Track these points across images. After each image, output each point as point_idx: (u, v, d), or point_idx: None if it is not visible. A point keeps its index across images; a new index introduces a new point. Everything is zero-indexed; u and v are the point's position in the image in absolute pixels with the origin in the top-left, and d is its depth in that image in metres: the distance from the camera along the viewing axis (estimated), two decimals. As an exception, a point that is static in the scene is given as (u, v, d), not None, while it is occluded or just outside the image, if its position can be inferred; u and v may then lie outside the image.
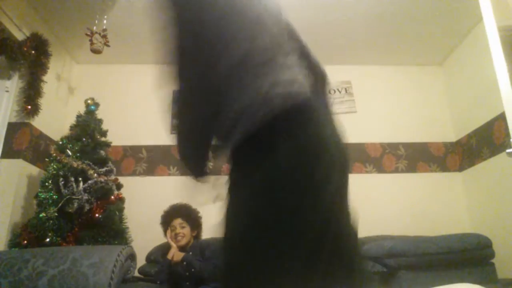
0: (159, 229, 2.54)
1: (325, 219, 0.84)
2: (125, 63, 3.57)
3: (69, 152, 2.64)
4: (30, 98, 2.80)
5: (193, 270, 2.23)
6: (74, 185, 2.51)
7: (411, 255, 2.27)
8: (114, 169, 2.84)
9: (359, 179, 3.44)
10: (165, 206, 2.56)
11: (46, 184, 2.54)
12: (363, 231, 3.35)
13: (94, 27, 2.86)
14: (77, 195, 2.49)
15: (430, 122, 3.61)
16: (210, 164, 1.00)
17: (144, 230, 2.85)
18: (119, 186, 2.82)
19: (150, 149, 3.42)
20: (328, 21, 3.15)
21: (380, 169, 3.48)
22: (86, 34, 2.81)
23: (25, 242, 2.38)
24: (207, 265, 2.22)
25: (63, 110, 3.37)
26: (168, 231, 2.46)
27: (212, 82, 0.88)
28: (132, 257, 2.21)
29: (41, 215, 2.43)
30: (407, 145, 3.55)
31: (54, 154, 2.65)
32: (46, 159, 2.76)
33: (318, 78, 1.09)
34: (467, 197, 3.37)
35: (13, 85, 2.84)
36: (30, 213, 2.63)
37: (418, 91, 3.71)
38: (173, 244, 2.40)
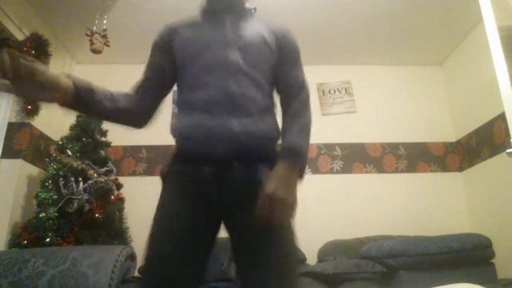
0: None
1: None
2: (125, 63, 3.56)
3: (69, 152, 2.64)
4: (30, 98, 2.80)
5: None
6: (74, 185, 2.51)
7: (411, 255, 2.27)
8: (114, 169, 2.84)
9: (359, 179, 3.44)
10: (165, 206, 2.55)
11: (46, 184, 2.54)
12: (363, 231, 3.35)
13: (94, 27, 2.86)
14: (77, 195, 2.49)
15: (430, 122, 3.61)
16: None
17: (144, 230, 2.82)
18: (119, 186, 2.82)
19: (150, 149, 3.42)
20: (328, 21, 3.15)
21: (380, 169, 3.48)
22: (86, 34, 2.81)
23: (25, 242, 2.38)
24: (212, 264, 2.21)
25: (63, 110, 3.36)
26: None
27: None
28: (132, 257, 2.21)
29: (41, 215, 2.43)
30: (407, 145, 3.55)
31: (54, 154, 2.65)
32: (46, 159, 2.76)
33: None
34: (467, 197, 3.37)
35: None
36: (30, 213, 2.63)
37: (418, 91, 3.70)
38: None
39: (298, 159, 1.06)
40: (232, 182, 1.07)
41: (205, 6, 1.26)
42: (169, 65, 1.22)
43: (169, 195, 1.13)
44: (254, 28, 1.21)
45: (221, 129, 1.06)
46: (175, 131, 1.15)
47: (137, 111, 1.19)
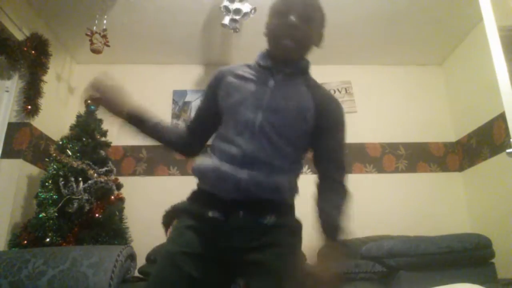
0: (159, 229, 2.54)
1: None
2: (125, 63, 3.57)
3: (69, 152, 2.64)
4: (30, 98, 2.80)
5: None
6: (74, 185, 2.51)
7: (411, 255, 2.27)
8: (114, 169, 2.84)
9: (359, 179, 3.43)
10: (165, 206, 2.55)
11: (46, 184, 2.54)
12: (363, 231, 3.36)
13: (94, 27, 2.86)
14: (77, 195, 2.49)
15: (430, 122, 3.61)
16: None
17: (144, 230, 2.84)
18: (119, 186, 2.82)
19: (150, 149, 3.42)
20: (328, 22, 3.15)
21: (380, 169, 3.48)
22: (86, 34, 2.81)
23: (25, 242, 2.38)
24: None
25: (63, 110, 3.37)
26: (169, 231, 2.46)
27: None
28: (132, 257, 2.21)
29: (41, 215, 2.42)
30: (407, 145, 3.55)
31: (54, 154, 2.65)
32: (46, 159, 2.76)
33: None
34: (467, 197, 3.37)
35: (13, 85, 2.84)
36: (30, 213, 2.63)
37: (418, 91, 3.70)
38: None
39: (343, 240, 1.14)
40: (235, 230, 1.11)
41: (261, 64, 1.27)
42: (214, 110, 1.29)
43: (178, 231, 1.18)
44: (296, 91, 1.23)
45: (232, 176, 1.12)
46: (194, 169, 1.23)
47: (184, 147, 1.38)
